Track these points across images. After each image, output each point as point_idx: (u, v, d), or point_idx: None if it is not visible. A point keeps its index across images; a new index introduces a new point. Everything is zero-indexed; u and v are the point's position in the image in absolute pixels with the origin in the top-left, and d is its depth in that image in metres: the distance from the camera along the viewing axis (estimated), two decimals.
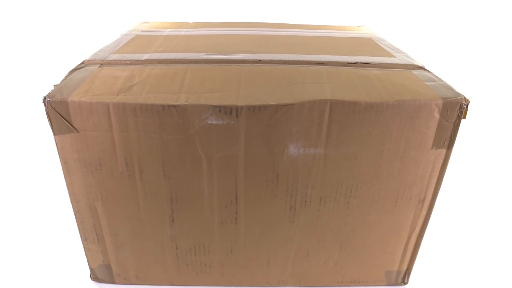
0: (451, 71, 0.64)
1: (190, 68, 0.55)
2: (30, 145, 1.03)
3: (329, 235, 0.59)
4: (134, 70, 0.54)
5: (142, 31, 0.77)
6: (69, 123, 0.47)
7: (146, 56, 0.59)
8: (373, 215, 0.57)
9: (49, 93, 0.47)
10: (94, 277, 0.65)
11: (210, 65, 0.57)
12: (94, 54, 0.60)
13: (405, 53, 0.67)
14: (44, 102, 0.46)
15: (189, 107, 0.46)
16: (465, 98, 0.48)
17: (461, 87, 0.52)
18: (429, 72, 0.58)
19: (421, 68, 0.59)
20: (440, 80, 0.54)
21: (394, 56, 0.64)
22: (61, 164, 0.51)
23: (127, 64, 0.57)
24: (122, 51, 0.62)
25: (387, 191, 0.55)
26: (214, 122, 0.47)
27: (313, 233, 0.58)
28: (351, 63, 0.59)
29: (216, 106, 0.46)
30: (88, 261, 0.62)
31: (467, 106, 0.48)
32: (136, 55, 0.60)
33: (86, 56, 0.60)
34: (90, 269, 0.63)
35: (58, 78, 0.52)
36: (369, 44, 0.72)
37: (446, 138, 0.51)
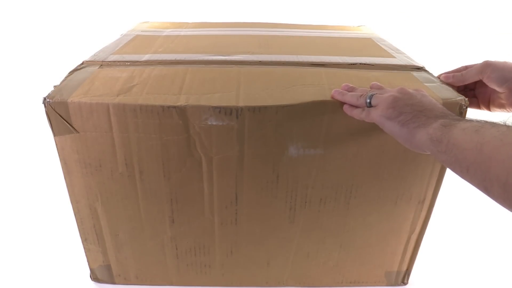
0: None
1: (190, 69, 0.55)
2: (30, 146, 1.03)
3: (329, 236, 0.59)
4: (134, 71, 0.54)
5: (142, 31, 0.77)
6: (69, 124, 0.47)
7: (146, 57, 0.59)
8: (373, 215, 0.57)
9: (49, 94, 0.47)
10: (94, 277, 0.65)
11: (210, 67, 0.57)
12: (94, 55, 0.60)
13: (405, 53, 0.67)
14: (44, 103, 0.46)
15: (189, 108, 0.46)
16: (464, 99, 0.48)
17: None
18: (429, 73, 0.58)
19: (421, 69, 0.59)
20: (440, 81, 0.54)
21: (394, 57, 0.64)
22: (61, 165, 0.51)
23: (127, 65, 0.57)
24: (122, 52, 0.62)
25: (387, 191, 0.55)
26: (214, 123, 0.47)
27: (313, 233, 0.58)
28: (351, 64, 0.59)
29: (216, 107, 0.46)
30: (88, 261, 0.62)
31: (467, 107, 0.48)
32: (136, 56, 0.60)
33: (86, 56, 0.59)
34: (90, 269, 0.64)
35: (58, 78, 0.52)
36: (369, 44, 0.72)
37: None
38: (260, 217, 0.56)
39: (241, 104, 0.46)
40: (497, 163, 0.29)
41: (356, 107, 0.45)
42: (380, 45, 0.71)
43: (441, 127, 0.35)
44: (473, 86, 0.52)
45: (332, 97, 0.48)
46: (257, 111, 0.46)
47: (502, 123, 0.32)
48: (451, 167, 0.34)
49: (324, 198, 0.55)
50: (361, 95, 0.45)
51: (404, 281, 0.66)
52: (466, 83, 0.50)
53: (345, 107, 0.46)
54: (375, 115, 0.42)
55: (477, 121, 0.34)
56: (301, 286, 0.66)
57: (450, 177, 0.57)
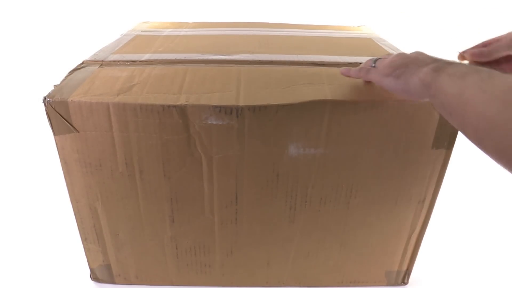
0: None
1: (190, 68, 0.55)
2: (30, 145, 1.03)
3: (329, 235, 0.59)
4: (134, 70, 0.54)
5: (142, 31, 0.77)
6: (69, 123, 0.47)
7: (146, 57, 0.59)
8: (373, 215, 0.57)
9: (49, 93, 0.47)
10: (94, 277, 0.64)
11: (210, 66, 0.57)
12: (94, 54, 0.60)
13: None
14: (44, 102, 0.46)
15: (189, 107, 0.46)
16: None
17: None
18: None
19: None
20: None
21: None
22: (61, 164, 0.51)
23: (127, 64, 0.57)
24: (122, 52, 0.62)
25: (387, 191, 0.55)
26: (214, 122, 0.47)
27: (313, 233, 0.58)
28: (351, 64, 0.59)
29: (216, 106, 0.46)
30: (88, 261, 0.62)
31: None
32: (136, 56, 0.60)
33: (86, 56, 0.59)
34: (90, 269, 0.63)
35: (58, 78, 0.52)
36: (369, 44, 0.72)
37: (446, 138, 0.51)
38: (260, 217, 0.56)
39: (241, 103, 0.46)
40: (472, 108, 0.30)
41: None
42: (380, 45, 0.71)
43: (431, 72, 0.36)
44: (496, 65, 0.48)
45: (342, 73, 0.51)
46: (257, 110, 0.46)
47: (487, 70, 0.32)
48: (439, 110, 0.36)
49: (324, 198, 0.55)
50: (368, 60, 0.49)
51: (404, 281, 0.66)
52: (493, 58, 0.47)
53: (342, 70, 0.50)
54: (373, 75, 0.45)
55: (466, 67, 0.34)
56: (301, 286, 0.66)
57: (450, 177, 0.57)
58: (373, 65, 0.46)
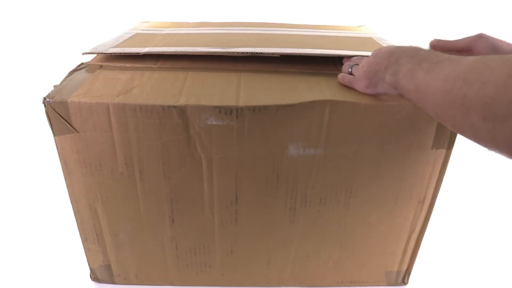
0: None
1: (190, 73, 0.55)
2: (30, 146, 1.03)
3: (329, 235, 0.59)
4: (134, 73, 0.54)
5: (142, 30, 0.77)
6: (69, 123, 0.47)
7: (145, 50, 0.58)
8: (373, 215, 0.57)
9: (49, 93, 0.47)
10: (94, 277, 0.65)
11: (210, 72, 0.56)
12: (94, 48, 0.60)
13: None
14: (44, 102, 0.46)
15: (189, 108, 0.46)
16: None
17: None
18: None
19: None
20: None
21: None
22: (61, 165, 0.51)
23: (128, 67, 0.56)
24: (121, 46, 0.62)
25: (387, 191, 0.55)
26: (214, 123, 0.47)
27: (313, 233, 0.58)
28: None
29: (216, 107, 0.46)
30: (88, 261, 0.62)
31: None
32: (136, 49, 0.59)
33: (86, 57, 0.59)
34: (90, 269, 0.64)
35: (58, 78, 0.52)
36: (369, 43, 0.72)
37: (446, 138, 0.51)
38: (260, 217, 0.56)
39: (241, 103, 0.46)
40: (426, 96, 0.38)
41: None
42: (381, 43, 0.71)
43: (391, 77, 0.44)
44: None
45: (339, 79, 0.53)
46: (257, 110, 0.46)
47: (426, 64, 0.39)
48: (411, 102, 0.43)
49: (324, 198, 0.55)
50: (347, 64, 0.54)
51: (404, 281, 0.66)
52: (455, 49, 0.54)
53: (339, 75, 0.54)
54: (356, 86, 0.51)
55: (412, 64, 0.41)
56: (301, 286, 0.66)
57: (450, 177, 0.57)
58: (350, 70, 0.52)
